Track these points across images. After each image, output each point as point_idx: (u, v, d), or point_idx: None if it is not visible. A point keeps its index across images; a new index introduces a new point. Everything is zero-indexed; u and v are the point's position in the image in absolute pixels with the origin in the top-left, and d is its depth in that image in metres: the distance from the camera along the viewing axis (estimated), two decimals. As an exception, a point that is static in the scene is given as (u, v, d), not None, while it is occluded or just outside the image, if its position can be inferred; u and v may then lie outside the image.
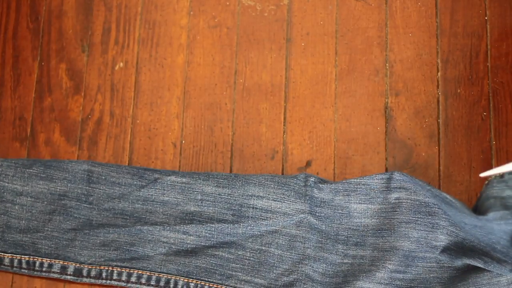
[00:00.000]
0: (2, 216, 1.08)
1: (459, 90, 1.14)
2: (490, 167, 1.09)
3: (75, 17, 1.21)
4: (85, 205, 1.08)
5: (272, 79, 1.16)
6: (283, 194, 1.04)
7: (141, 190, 1.07)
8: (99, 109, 1.16)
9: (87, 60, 1.19)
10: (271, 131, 1.14)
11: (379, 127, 1.13)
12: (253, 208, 1.05)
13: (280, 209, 1.04)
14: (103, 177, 1.08)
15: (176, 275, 1.05)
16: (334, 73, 1.16)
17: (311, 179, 1.05)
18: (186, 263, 1.05)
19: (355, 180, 1.05)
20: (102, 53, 1.19)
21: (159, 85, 1.17)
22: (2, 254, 1.07)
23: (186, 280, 1.04)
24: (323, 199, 1.04)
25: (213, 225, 1.05)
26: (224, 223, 1.05)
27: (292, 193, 1.04)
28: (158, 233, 1.05)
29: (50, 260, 1.06)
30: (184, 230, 1.05)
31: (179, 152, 1.14)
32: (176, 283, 1.04)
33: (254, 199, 1.05)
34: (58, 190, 1.08)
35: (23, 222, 1.07)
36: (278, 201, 1.04)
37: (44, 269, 1.06)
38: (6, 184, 1.09)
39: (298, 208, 1.04)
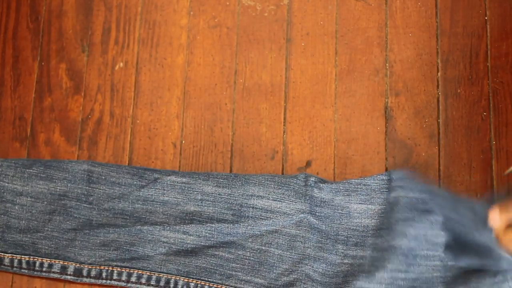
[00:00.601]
0: (2, 216, 1.08)
1: (459, 90, 1.14)
2: (490, 167, 1.09)
3: (75, 17, 1.21)
4: (85, 205, 1.08)
5: (272, 79, 1.16)
6: (283, 194, 1.05)
7: (141, 190, 1.07)
8: (99, 109, 1.16)
9: (87, 60, 1.19)
10: (271, 131, 1.14)
11: (379, 127, 1.13)
12: (253, 208, 1.05)
13: (280, 209, 1.04)
14: (103, 177, 1.09)
15: (176, 275, 1.05)
16: (334, 73, 1.16)
17: (311, 179, 1.05)
18: (186, 263, 1.05)
19: (356, 181, 1.05)
20: (102, 53, 1.19)
21: (159, 85, 1.17)
22: (2, 254, 1.07)
23: (186, 280, 1.04)
24: (323, 198, 1.05)
25: (213, 225, 1.05)
26: (224, 223, 1.05)
27: (292, 193, 1.04)
28: (158, 233, 1.05)
29: (50, 260, 1.06)
30: (184, 230, 1.05)
31: (179, 152, 1.14)
32: (176, 283, 1.04)
33: (254, 198, 1.05)
34: (58, 190, 1.09)
35: (23, 222, 1.07)
36: (278, 201, 1.04)
37: (44, 269, 1.06)
38: (6, 184, 1.09)
39: (298, 208, 1.04)
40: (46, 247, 1.06)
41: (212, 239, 1.05)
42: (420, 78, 1.14)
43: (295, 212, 1.04)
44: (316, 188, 1.05)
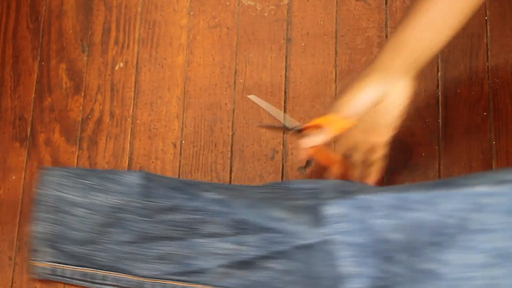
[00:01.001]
0: (58, 226, 1.07)
1: (459, 90, 1.13)
2: (490, 167, 1.09)
3: (75, 17, 1.21)
4: (140, 218, 1.06)
5: (272, 79, 1.16)
6: (302, 217, 0.97)
7: (192, 202, 1.05)
8: (99, 109, 1.16)
9: (87, 60, 1.19)
10: (271, 131, 1.14)
11: (379, 127, 1.13)
12: (279, 232, 0.99)
13: (303, 234, 0.98)
14: (157, 190, 1.07)
15: None
16: (334, 73, 1.16)
17: (323, 195, 0.98)
18: (243, 276, 1.02)
19: (368, 197, 0.95)
20: (102, 53, 1.19)
21: (159, 85, 1.17)
22: (57, 264, 1.06)
23: None
24: (340, 214, 0.96)
25: (260, 235, 1.01)
26: (270, 232, 1.00)
27: (310, 216, 0.97)
28: (214, 244, 1.03)
29: (105, 272, 1.05)
30: (238, 240, 1.02)
31: (179, 152, 1.14)
32: None
33: (276, 222, 0.99)
34: (114, 202, 1.07)
35: (79, 233, 1.06)
36: (300, 224, 0.98)
37: (98, 281, 1.05)
38: (63, 194, 1.08)
39: (320, 231, 0.96)
40: (102, 259, 1.05)
41: (264, 248, 1.00)
42: (420, 78, 1.14)
43: (318, 235, 0.96)
44: (328, 205, 0.96)
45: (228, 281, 1.03)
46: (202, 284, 1.03)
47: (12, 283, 1.08)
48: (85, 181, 1.09)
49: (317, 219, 0.97)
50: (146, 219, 1.06)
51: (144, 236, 1.06)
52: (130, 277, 1.05)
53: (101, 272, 1.05)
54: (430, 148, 1.11)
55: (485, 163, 1.10)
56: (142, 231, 1.06)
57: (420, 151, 1.11)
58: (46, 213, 1.08)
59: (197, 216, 1.05)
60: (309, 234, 0.97)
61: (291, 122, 0.98)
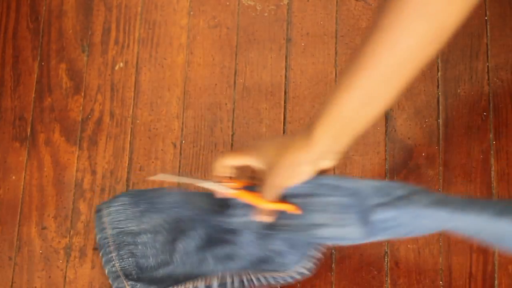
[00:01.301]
0: (130, 259, 1.06)
1: (459, 90, 1.14)
2: (490, 167, 1.09)
3: (75, 17, 1.21)
4: (199, 224, 1.06)
5: (272, 79, 1.16)
6: (345, 218, 0.92)
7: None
8: (99, 109, 1.16)
9: (87, 60, 1.19)
10: (271, 131, 1.14)
11: (379, 127, 1.13)
12: (320, 238, 0.96)
13: (348, 235, 0.93)
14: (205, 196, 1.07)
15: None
16: (334, 73, 1.16)
17: (369, 201, 0.91)
18: (305, 251, 1.05)
19: (426, 211, 0.89)
20: (102, 53, 1.19)
21: (159, 85, 1.17)
22: None
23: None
24: (388, 218, 0.90)
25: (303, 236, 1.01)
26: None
27: (356, 215, 0.91)
28: (272, 237, 1.04)
29: (193, 283, 1.04)
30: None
31: (179, 152, 1.14)
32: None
33: (319, 228, 0.94)
34: (170, 218, 1.07)
35: (151, 258, 1.06)
36: (341, 226, 0.92)
37: None
38: (122, 228, 1.07)
39: (365, 231, 0.91)
40: (183, 273, 1.05)
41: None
42: (420, 78, 1.15)
43: (363, 235, 0.92)
44: (378, 214, 0.90)
45: (292, 257, 1.04)
46: (280, 270, 1.04)
47: (12, 283, 1.08)
48: (137, 209, 1.08)
49: (363, 224, 0.91)
50: (204, 223, 1.06)
51: (208, 239, 1.06)
52: (216, 278, 1.04)
53: (190, 284, 1.04)
54: (430, 148, 1.11)
55: (485, 163, 1.10)
56: (206, 235, 1.06)
57: (420, 151, 1.11)
58: (113, 252, 1.07)
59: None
60: (353, 236, 0.93)
61: (214, 184, 0.97)
